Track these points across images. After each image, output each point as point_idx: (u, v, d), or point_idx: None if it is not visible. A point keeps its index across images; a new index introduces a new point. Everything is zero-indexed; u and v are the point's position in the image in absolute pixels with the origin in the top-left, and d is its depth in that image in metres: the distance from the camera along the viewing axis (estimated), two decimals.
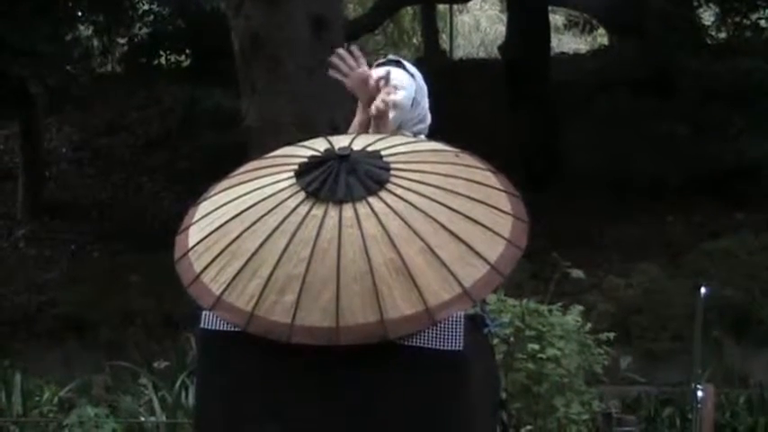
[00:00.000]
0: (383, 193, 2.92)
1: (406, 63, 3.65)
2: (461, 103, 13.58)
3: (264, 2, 7.97)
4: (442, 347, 2.83)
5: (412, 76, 3.62)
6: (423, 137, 3.56)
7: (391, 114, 3.53)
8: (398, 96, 3.55)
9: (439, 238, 2.85)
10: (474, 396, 2.93)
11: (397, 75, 3.59)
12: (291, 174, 2.99)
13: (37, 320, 11.68)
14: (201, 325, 2.96)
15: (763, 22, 15.51)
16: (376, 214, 2.87)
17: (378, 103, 3.42)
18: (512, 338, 5.27)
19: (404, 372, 2.84)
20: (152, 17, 14.79)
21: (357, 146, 3.06)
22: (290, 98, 7.72)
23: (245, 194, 3.02)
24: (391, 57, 3.68)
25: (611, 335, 5.93)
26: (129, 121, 16.55)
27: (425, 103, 3.61)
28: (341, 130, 3.99)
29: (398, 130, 3.53)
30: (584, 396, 5.64)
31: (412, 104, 3.57)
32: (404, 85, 3.58)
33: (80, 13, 14.45)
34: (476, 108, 13.87)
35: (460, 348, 2.84)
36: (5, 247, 13.71)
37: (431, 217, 2.88)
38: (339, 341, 2.76)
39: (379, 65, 3.67)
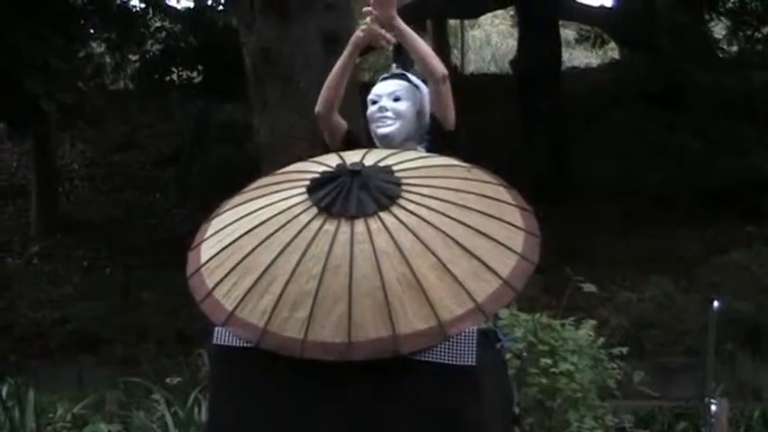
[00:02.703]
0: (395, 209, 2.92)
1: (410, 75, 3.66)
2: (473, 117, 13.49)
3: (276, 18, 7.98)
4: (454, 362, 2.83)
5: (416, 87, 3.63)
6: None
7: (396, 126, 3.54)
8: (402, 107, 3.56)
9: (451, 253, 2.85)
10: (487, 411, 2.92)
11: (401, 86, 3.61)
12: (303, 189, 2.99)
13: (50, 336, 11.67)
14: (214, 341, 2.96)
15: None
16: (388, 229, 2.87)
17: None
18: (524, 353, 5.25)
19: (416, 387, 2.83)
20: (164, 34, 14.81)
21: (369, 161, 3.06)
22: (301, 114, 7.69)
23: (257, 210, 3.02)
24: (395, 70, 3.69)
25: (624, 349, 5.89)
26: (141, 137, 16.58)
27: None
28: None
29: (404, 141, 3.54)
30: (598, 411, 5.61)
31: (417, 116, 3.57)
32: (407, 96, 3.59)
33: (92, 31, 14.48)
34: (487, 122, 13.82)
35: (473, 363, 2.83)
36: (19, 263, 13.73)
37: (443, 232, 2.88)
38: (351, 356, 2.76)
39: (383, 79, 3.69)
